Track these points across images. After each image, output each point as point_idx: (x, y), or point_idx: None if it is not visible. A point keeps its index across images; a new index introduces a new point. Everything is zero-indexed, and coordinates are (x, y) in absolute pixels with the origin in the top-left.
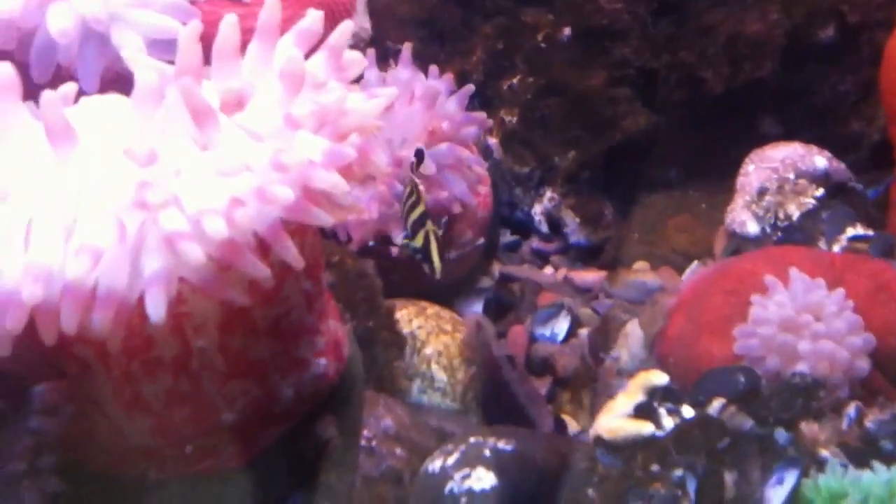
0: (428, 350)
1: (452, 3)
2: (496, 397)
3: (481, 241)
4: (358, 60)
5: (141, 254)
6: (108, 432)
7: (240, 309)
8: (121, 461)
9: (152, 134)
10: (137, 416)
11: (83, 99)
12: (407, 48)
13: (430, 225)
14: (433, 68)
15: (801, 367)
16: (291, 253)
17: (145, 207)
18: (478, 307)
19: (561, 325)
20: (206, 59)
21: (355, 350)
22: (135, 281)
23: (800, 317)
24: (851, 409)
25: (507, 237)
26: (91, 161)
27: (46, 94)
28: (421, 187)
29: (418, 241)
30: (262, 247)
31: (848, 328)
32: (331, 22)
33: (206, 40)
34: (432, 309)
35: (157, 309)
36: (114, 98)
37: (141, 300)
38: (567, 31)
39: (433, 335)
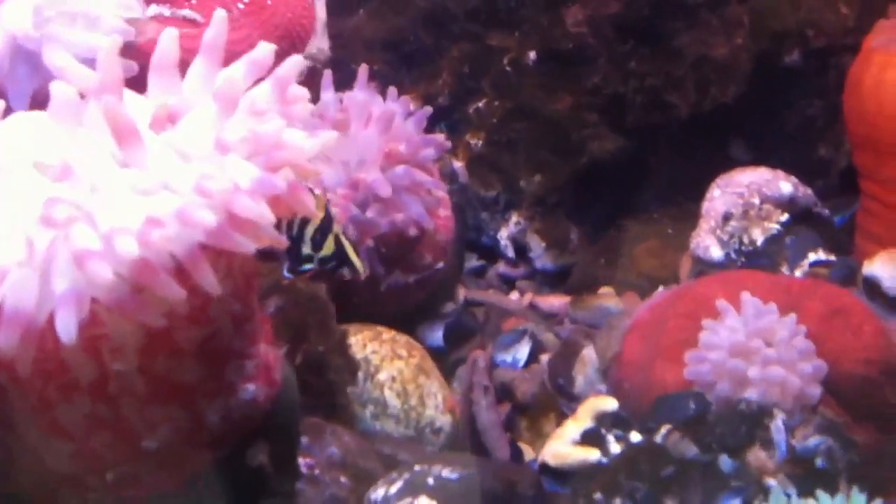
0: (381, 376)
1: (419, 26)
2: (468, 423)
3: (441, 265)
4: (302, 95)
5: (50, 272)
6: (26, 458)
7: (161, 331)
8: (40, 488)
9: (68, 148)
10: (55, 442)
11: (10, 116)
12: (363, 70)
13: (336, 228)
14: (392, 90)
15: (752, 392)
16: (208, 279)
17: (52, 224)
18: (440, 332)
19: (522, 351)
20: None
21: (290, 375)
22: (44, 300)
23: (750, 342)
24: (780, 433)
25: (473, 262)
26: (2, 176)
27: None
28: (318, 192)
29: (328, 249)
30: (184, 269)
31: (799, 354)
32: (288, 43)
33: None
34: (388, 334)
35: (67, 330)
36: (40, 115)
37: (52, 320)
38: (532, 54)
39: (387, 360)
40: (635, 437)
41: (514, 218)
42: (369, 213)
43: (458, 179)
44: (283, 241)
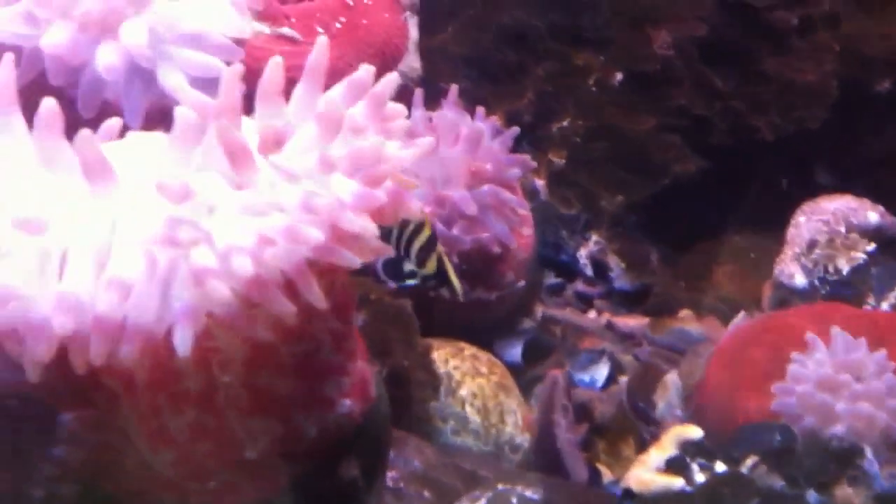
0: (463, 391)
1: (505, 44)
2: (543, 441)
3: (522, 283)
4: (400, 111)
5: (170, 288)
6: (134, 463)
7: (267, 346)
8: (145, 493)
9: (187, 170)
10: (162, 448)
11: (127, 134)
12: (453, 89)
13: (439, 248)
14: (479, 109)
15: (838, 427)
16: (315, 293)
17: (175, 244)
18: (518, 349)
19: (601, 371)
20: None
21: (382, 392)
22: (163, 315)
23: (839, 376)
24: (873, 467)
25: (551, 279)
26: (126, 195)
27: (82, 132)
28: (425, 210)
29: (430, 268)
30: (291, 285)
31: (888, 390)
32: (381, 61)
33: (257, 78)
34: (469, 350)
35: (184, 343)
36: (156, 135)
37: (169, 333)
38: (619, 75)
39: (469, 376)
40: (720, 467)
41: (594, 237)
42: (454, 230)
43: (539, 197)
44: (388, 250)
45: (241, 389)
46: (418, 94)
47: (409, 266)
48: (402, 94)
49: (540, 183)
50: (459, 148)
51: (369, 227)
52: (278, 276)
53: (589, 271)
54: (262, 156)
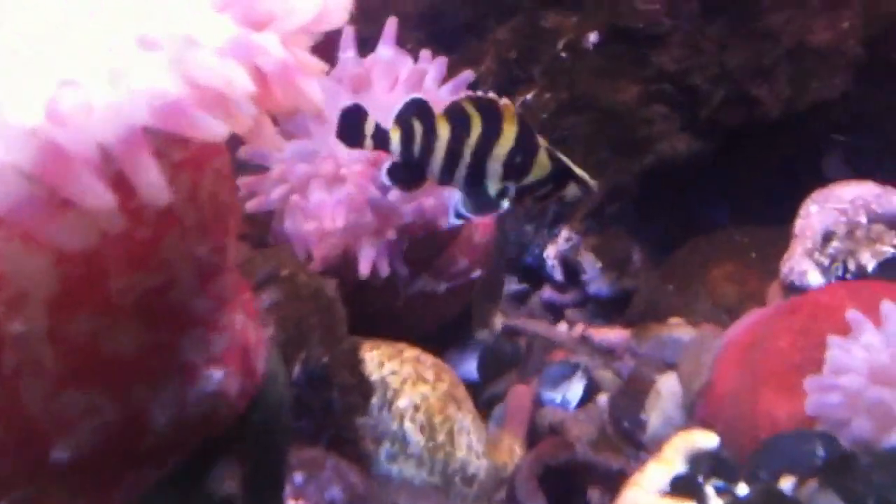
0: (402, 402)
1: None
2: None
3: (477, 273)
4: None
5: None
6: None
7: (85, 275)
8: None
9: None
10: None
11: None
12: (391, 23)
13: (541, 141)
14: (425, 52)
15: None
16: (151, 178)
17: None
18: (472, 363)
19: (575, 389)
20: None
21: (277, 367)
22: None
23: None
24: None
25: (513, 285)
26: None
27: None
28: (504, 101)
29: (541, 169)
30: (118, 172)
31: None
32: None
33: None
34: (411, 352)
35: None
36: None
37: None
38: (593, 35)
39: (409, 383)
40: (743, 490)
41: (565, 232)
42: (391, 197)
43: None
44: (274, 143)
45: (43, 345)
46: (349, 32)
47: (493, 185)
48: (332, 36)
49: None
50: (398, 92)
51: (239, 81)
52: (92, 148)
53: (558, 274)
54: None
